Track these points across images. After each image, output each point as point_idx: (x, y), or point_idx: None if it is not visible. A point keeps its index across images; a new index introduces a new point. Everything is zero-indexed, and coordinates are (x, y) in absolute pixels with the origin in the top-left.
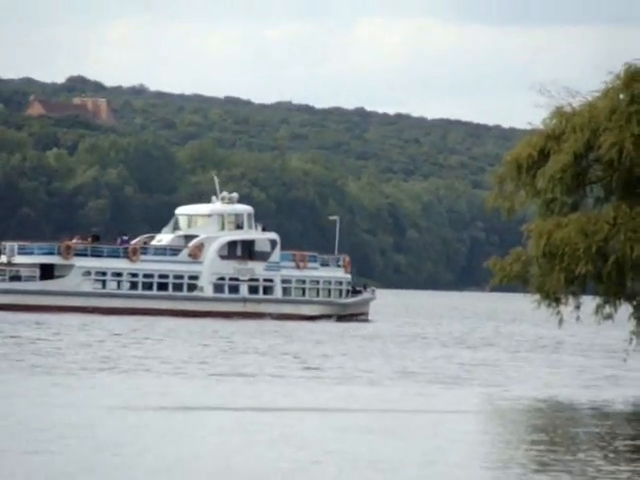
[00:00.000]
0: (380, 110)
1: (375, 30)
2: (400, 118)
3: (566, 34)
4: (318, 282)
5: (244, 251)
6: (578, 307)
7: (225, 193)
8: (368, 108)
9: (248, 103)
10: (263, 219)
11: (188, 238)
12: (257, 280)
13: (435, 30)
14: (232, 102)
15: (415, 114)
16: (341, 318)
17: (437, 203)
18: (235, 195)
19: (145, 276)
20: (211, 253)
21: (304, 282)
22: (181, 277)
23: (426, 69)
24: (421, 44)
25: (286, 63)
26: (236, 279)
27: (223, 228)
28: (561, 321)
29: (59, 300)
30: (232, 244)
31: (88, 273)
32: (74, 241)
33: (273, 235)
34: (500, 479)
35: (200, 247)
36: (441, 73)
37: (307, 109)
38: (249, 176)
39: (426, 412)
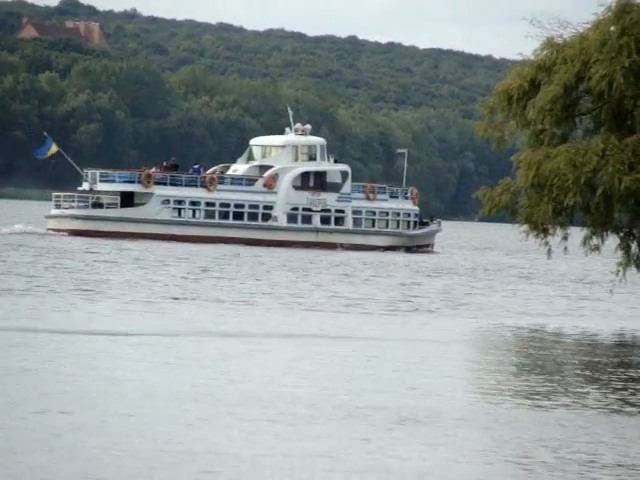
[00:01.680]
0: (372, 39)
1: None
2: (392, 47)
3: None
4: (387, 214)
5: (316, 182)
6: (566, 238)
7: (299, 125)
8: (360, 36)
9: (240, 30)
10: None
11: (262, 168)
12: (329, 211)
13: None
14: (224, 28)
15: (407, 43)
16: (409, 249)
17: (428, 132)
18: (308, 127)
19: (221, 205)
20: (285, 183)
21: (374, 213)
22: (256, 207)
23: None
24: None
25: None
26: (309, 209)
27: (297, 159)
28: (549, 252)
29: (139, 227)
30: (305, 175)
31: (167, 201)
32: (153, 170)
33: (344, 167)
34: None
35: (274, 177)
36: (434, 3)
37: (299, 37)
38: (241, 103)
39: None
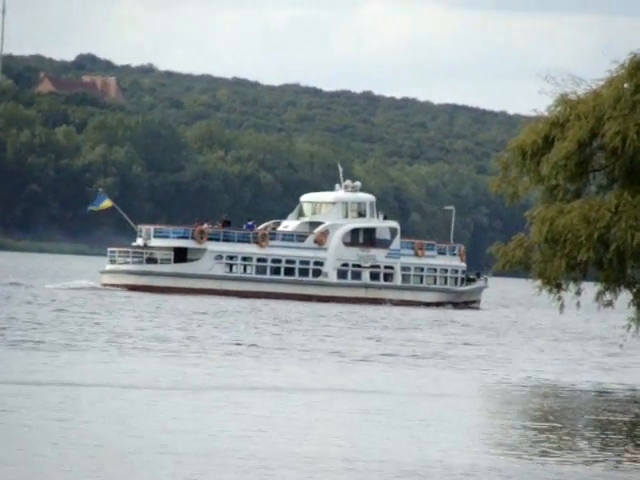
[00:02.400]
0: (387, 94)
1: (383, 13)
2: (407, 102)
3: (570, 22)
4: (435, 270)
5: (366, 238)
6: (579, 293)
7: (349, 181)
8: (375, 92)
9: (256, 84)
10: (269, 200)
11: (313, 225)
12: (378, 267)
13: (442, 14)
14: (240, 83)
15: (422, 98)
16: (456, 305)
17: (442, 187)
18: (358, 183)
19: (273, 261)
20: (335, 240)
21: (422, 270)
22: (307, 262)
23: (433, 54)
24: (428, 29)
25: (294, 45)
26: (358, 265)
27: (346, 216)
28: (562, 307)
29: (192, 283)
30: (355, 231)
31: (220, 257)
32: (206, 226)
33: (394, 223)
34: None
35: (325, 234)
36: (448, 58)
37: (315, 92)
38: (256, 157)
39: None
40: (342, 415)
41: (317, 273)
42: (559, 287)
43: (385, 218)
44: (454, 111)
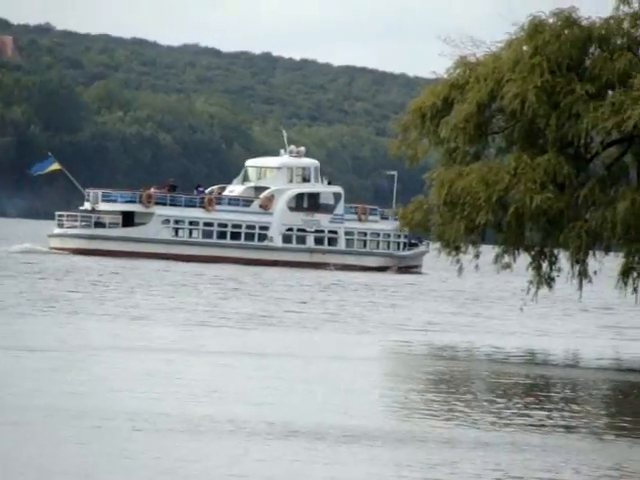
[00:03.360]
0: (286, 55)
1: None
2: (306, 63)
3: None
4: (379, 234)
5: (310, 203)
6: (477, 256)
7: (293, 147)
8: (275, 53)
9: (155, 45)
10: (168, 161)
11: (258, 189)
12: (322, 232)
13: None
14: (138, 43)
15: (321, 60)
16: (399, 270)
17: (341, 149)
18: (303, 149)
19: (220, 225)
20: (280, 205)
21: (365, 234)
22: (253, 227)
23: (332, 15)
24: None
25: (193, 6)
26: (303, 230)
27: (291, 181)
28: (460, 269)
29: (140, 247)
30: (299, 196)
31: (167, 221)
32: (152, 190)
33: (337, 188)
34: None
35: (270, 199)
36: (347, 20)
37: (214, 52)
38: (155, 118)
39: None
40: (242, 377)
41: (263, 237)
42: (458, 250)
43: (329, 183)
44: (354, 73)
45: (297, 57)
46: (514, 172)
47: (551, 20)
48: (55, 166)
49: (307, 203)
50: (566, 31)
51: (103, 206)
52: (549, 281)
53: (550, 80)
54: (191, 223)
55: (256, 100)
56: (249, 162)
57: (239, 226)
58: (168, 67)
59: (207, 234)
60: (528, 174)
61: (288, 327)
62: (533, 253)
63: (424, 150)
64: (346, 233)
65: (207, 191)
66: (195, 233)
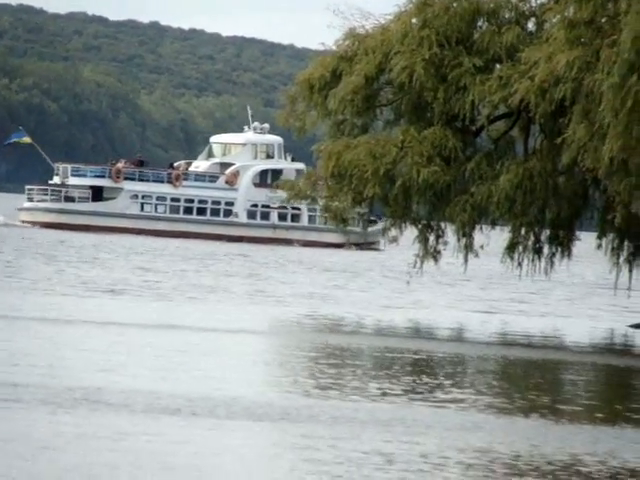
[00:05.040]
0: (174, 25)
1: None
2: (194, 33)
3: None
4: None
5: (274, 179)
6: (365, 228)
7: (257, 123)
8: (163, 22)
9: (41, 12)
10: (54, 130)
11: (223, 166)
12: (286, 208)
13: None
14: (24, 10)
15: (209, 30)
16: (358, 246)
17: (229, 120)
18: (267, 126)
19: (186, 201)
20: (246, 180)
21: None
22: (218, 203)
23: None
24: None
25: None
26: (267, 206)
27: (255, 157)
28: (348, 242)
29: (108, 221)
30: (264, 172)
31: (135, 196)
32: (121, 165)
33: (300, 165)
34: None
35: (236, 175)
36: None
37: (101, 20)
38: (41, 86)
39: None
40: (130, 350)
41: (228, 213)
42: (345, 222)
43: (293, 160)
44: (242, 43)
45: (185, 27)
46: (401, 145)
47: None
48: (26, 139)
49: (271, 179)
50: (455, 4)
51: (73, 180)
52: (435, 255)
53: (438, 53)
54: (158, 198)
55: (144, 69)
56: (214, 138)
57: (205, 202)
58: (54, 35)
59: (174, 209)
60: (415, 147)
61: (168, 297)
62: (420, 227)
63: (312, 122)
64: (309, 209)
65: (175, 164)
66: (162, 208)
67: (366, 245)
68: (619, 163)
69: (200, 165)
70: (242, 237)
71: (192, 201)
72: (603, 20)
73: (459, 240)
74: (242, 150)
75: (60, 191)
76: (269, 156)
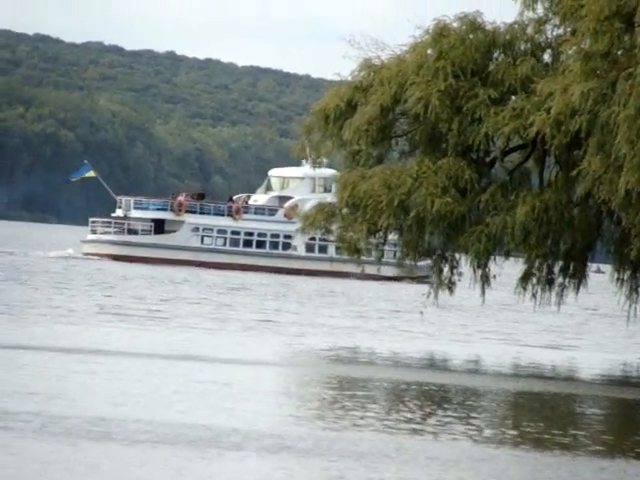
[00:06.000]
0: (190, 54)
1: None
2: (210, 63)
3: None
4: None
5: None
6: (380, 259)
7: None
8: (178, 52)
9: (57, 41)
10: (69, 158)
11: (282, 199)
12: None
13: None
14: (41, 39)
15: (225, 60)
16: (412, 279)
17: (244, 150)
18: (324, 160)
19: (246, 234)
20: None
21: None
22: (277, 236)
23: (237, 15)
24: None
25: (97, 3)
26: (324, 239)
27: (314, 190)
28: (362, 272)
29: (170, 254)
30: None
31: (197, 229)
32: (183, 198)
33: None
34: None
35: (294, 208)
36: (252, 20)
37: (117, 50)
38: (57, 115)
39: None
40: (138, 380)
41: (287, 246)
42: (359, 252)
43: None
44: (258, 73)
45: (201, 56)
46: (416, 176)
47: (456, 24)
48: (91, 173)
49: None
50: (470, 35)
51: (135, 213)
52: (450, 285)
53: (453, 84)
54: (219, 231)
55: (159, 99)
56: (272, 172)
57: (264, 235)
58: (71, 64)
59: (234, 242)
60: (430, 178)
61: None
62: (434, 257)
63: (327, 152)
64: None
65: (235, 197)
66: (222, 241)
67: (421, 278)
68: (635, 195)
69: (259, 198)
70: (300, 270)
71: (252, 234)
72: (619, 52)
73: (474, 271)
74: (300, 183)
75: (123, 224)
76: (326, 189)
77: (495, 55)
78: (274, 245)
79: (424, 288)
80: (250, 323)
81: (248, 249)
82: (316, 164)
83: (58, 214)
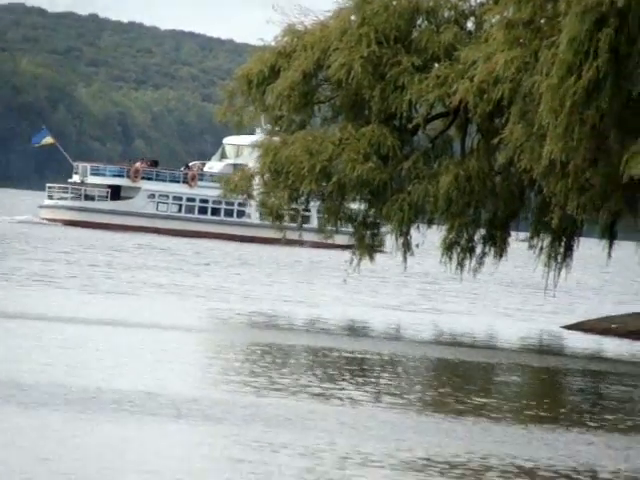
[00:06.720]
0: (113, 18)
1: None
2: (133, 27)
3: None
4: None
5: None
6: (301, 225)
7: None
8: (101, 15)
9: None
10: None
11: (236, 167)
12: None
13: None
14: None
15: (148, 23)
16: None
17: (167, 114)
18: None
19: (201, 201)
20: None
21: None
22: (232, 204)
23: None
24: None
25: None
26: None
27: None
28: (284, 237)
29: (126, 220)
30: None
31: (152, 196)
32: (139, 165)
33: None
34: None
35: None
36: None
37: (40, 12)
38: None
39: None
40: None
41: (241, 214)
42: (280, 218)
43: None
44: (181, 37)
45: (124, 19)
46: (338, 142)
47: None
48: (49, 139)
49: None
50: (394, 2)
51: (92, 179)
52: (371, 252)
53: (377, 51)
54: (175, 198)
55: (82, 62)
56: (227, 140)
57: (219, 202)
58: None
59: (189, 209)
60: (352, 144)
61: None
62: (355, 224)
63: (250, 117)
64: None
65: (190, 164)
66: (177, 208)
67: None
68: (559, 165)
69: (214, 166)
70: (254, 237)
71: (207, 201)
72: (542, 21)
73: (396, 239)
74: (254, 152)
75: (80, 189)
76: None
77: (419, 22)
78: (228, 213)
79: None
80: (179, 289)
81: (203, 216)
82: (239, 129)
83: (13, 180)
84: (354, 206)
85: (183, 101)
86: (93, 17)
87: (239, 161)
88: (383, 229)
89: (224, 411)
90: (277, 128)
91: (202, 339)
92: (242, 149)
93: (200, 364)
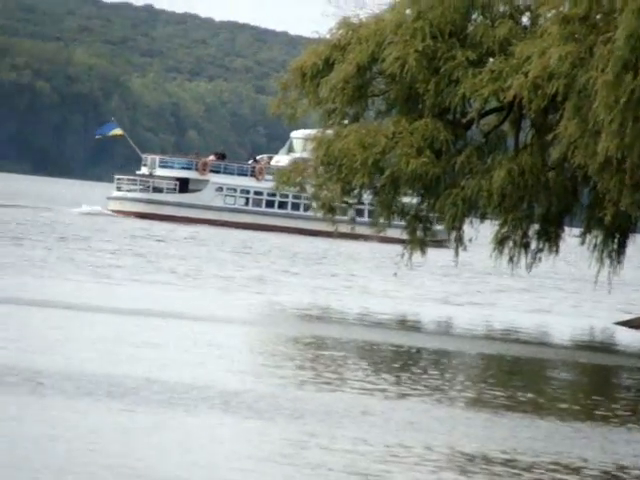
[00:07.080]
0: (168, 8)
1: None
2: (188, 17)
3: None
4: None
5: None
6: (353, 219)
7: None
8: (156, 6)
9: None
10: (45, 110)
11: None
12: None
13: None
14: None
15: (203, 15)
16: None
17: (220, 106)
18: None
19: (269, 195)
20: None
21: None
22: (299, 197)
23: None
24: None
25: None
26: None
27: None
28: (336, 231)
29: (194, 212)
30: None
31: (220, 189)
32: (210, 158)
33: None
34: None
35: None
36: None
37: (95, 2)
38: (33, 66)
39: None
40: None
41: (308, 207)
42: (333, 211)
43: None
44: (235, 29)
45: (179, 10)
46: (392, 136)
47: None
48: (117, 131)
49: None
50: None
51: (160, 171)
52: (423, 246)
53: (431, 45)
54: (242, 191)
55: (136, 52)
56: (294, 134)
57: (286, 195)
58: (47, 14)
59: (257, 202)
60: (405, 138)
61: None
62: (408, 218)
63: (303, 110)
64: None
65: (258, 157)
66: (244, 201)
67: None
68: (615, 162)
69: (281, 160)
70: (320, 232)
71: (274, 195)
72: (598, 17)
73: (449, 234)
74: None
75: (148, 182)
76: None
77: (474, 17)
78: (295, 206)
79: (438, 252)
80: (235, 282)
81: (270, 209)
82: (292, 121)
83: (68, 170)
84: (406, 200)
85: (236, 93)
86: (148, 7)
87: (306, 155)
88: (436, 224)
89: (292, 406)
90: (330, 121)
91: (255, 332)
92: (310, 143)
93: (251, 357)
